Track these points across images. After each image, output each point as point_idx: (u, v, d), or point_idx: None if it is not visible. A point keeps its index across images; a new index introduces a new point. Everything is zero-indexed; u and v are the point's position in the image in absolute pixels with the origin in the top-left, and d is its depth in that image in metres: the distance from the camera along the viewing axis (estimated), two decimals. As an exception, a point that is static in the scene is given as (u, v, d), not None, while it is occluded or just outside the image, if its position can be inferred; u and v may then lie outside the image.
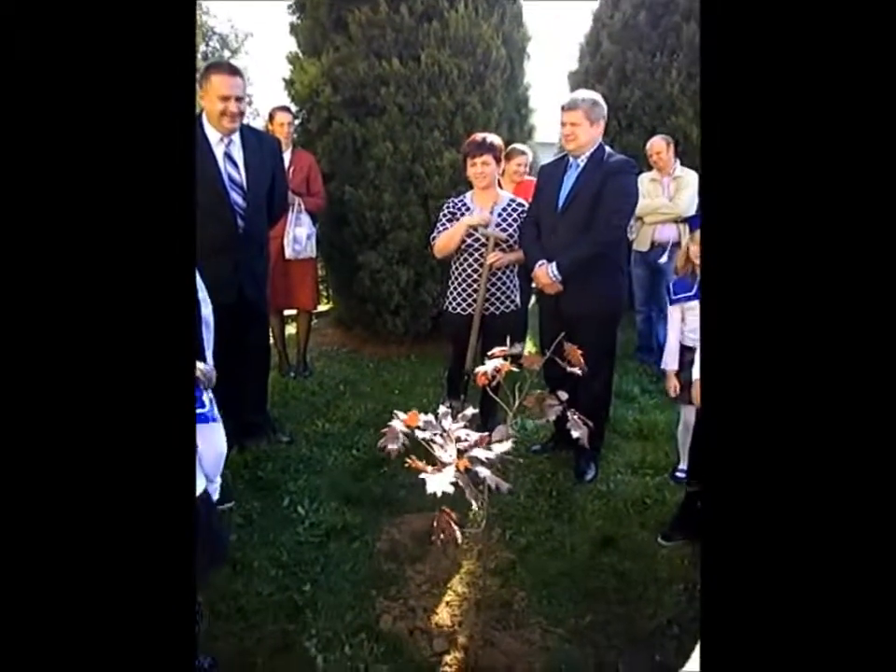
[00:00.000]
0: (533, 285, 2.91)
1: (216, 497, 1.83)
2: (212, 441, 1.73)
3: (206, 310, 2.18)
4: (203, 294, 2.27)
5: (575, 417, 1.46)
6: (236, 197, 2.70)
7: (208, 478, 1.73)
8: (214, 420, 1.76)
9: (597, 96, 2.66)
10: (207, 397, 1.76)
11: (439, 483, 1.24)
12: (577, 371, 1.55)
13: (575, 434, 1.45)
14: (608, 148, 2.67)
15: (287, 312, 4.23)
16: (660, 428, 3.24)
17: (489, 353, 1.63)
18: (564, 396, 1.53)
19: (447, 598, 2.01)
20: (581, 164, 2.63)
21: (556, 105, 2.68)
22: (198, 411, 1.69)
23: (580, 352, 1.58)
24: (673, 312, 2.61)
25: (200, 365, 1.77)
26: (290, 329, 4.49)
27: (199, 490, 1.59)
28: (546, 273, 2.61)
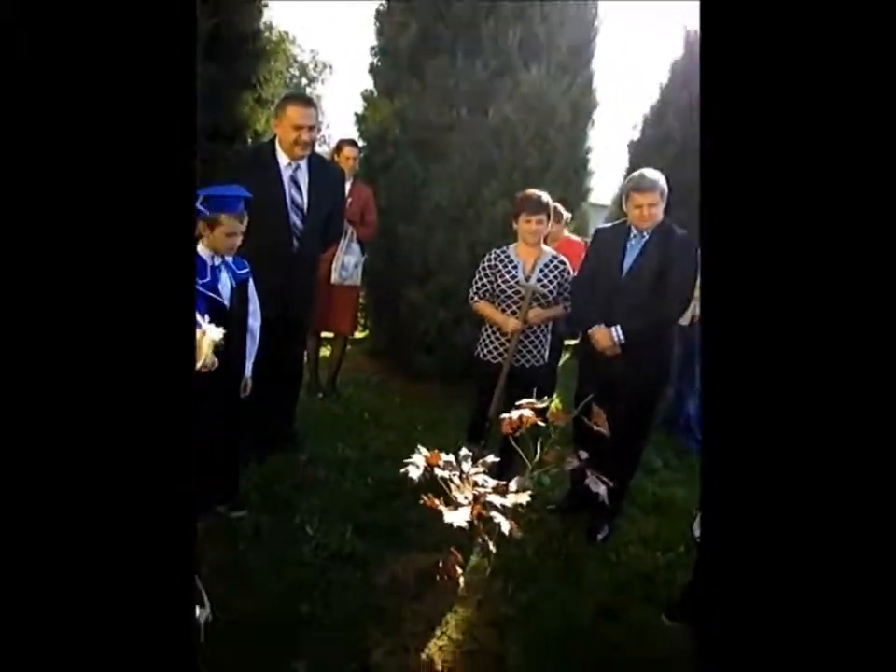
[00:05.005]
0: (567, 342, 2.92)
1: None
2: None
3: (254, 322, 2.27)
4: (253, 307, 2.37)
5: (595, 476, 1.47)
6: (295, 219, 2.82)
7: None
8: None
9: (660, 174, 2.69)
10: None
11: (456, 516, 1.27)
12: (603, 431, 1.57)
13: (595, 489, 1.46)
14: (670, 222, 2.71)
15: (323, 334, 4.33)
16: (677, 504, 3.16)
17: (517, 403, 1.65)
18: (584, 455, 1.54)
19: (441, 643, 1.98)
20: (647, 236, 2.68)
21: (614, 171, 2.74)
22: None
23: (604, 416, 1.60)
24: None
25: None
26: (324, 352, 4.57)
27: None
28: (610, 335, 2.64)
